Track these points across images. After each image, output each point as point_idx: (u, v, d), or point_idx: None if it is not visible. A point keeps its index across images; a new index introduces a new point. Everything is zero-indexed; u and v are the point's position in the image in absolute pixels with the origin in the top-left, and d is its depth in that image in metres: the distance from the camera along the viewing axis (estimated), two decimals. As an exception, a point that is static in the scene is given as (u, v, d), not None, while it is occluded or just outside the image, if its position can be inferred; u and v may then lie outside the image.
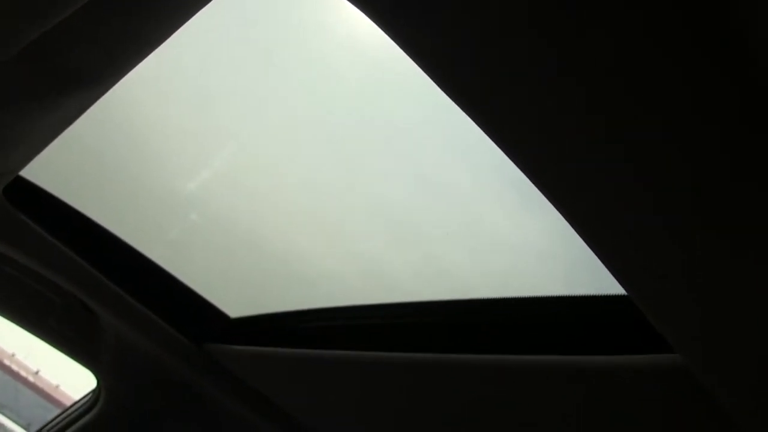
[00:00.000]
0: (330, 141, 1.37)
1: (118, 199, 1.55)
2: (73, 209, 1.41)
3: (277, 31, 1.26)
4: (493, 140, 0.48)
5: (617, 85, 0.43)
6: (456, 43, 0.44)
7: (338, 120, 1.31)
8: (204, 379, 1.49)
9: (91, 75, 0.60)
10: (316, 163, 1.41)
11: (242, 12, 1.25)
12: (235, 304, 1.60)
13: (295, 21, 1.25)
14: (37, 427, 1.65)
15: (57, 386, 6.96)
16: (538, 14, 0.41)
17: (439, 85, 0.47)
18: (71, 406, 1.60)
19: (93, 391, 1.59)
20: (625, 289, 0.57)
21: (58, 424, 1.51)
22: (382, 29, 0.47)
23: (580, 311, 0.98)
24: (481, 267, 1.38)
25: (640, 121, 0.44)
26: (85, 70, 0.59)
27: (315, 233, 1.52)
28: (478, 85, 0.46)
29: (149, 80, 1.28)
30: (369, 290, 1.51)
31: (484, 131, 0.48)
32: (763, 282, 0.49)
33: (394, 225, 1.43)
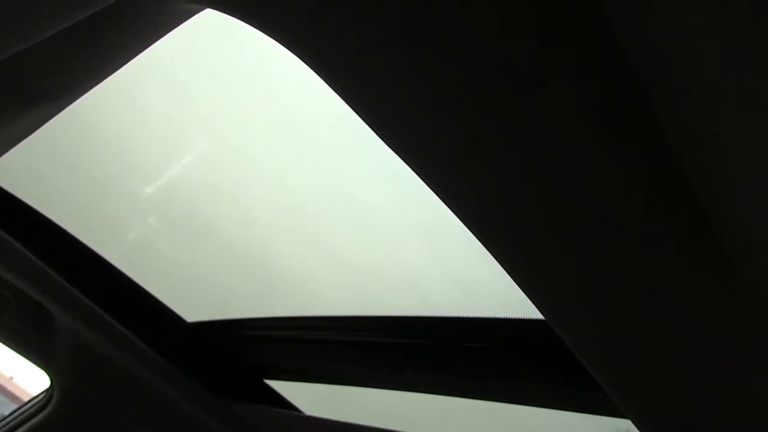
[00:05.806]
0: (299, 138, 1.36)
1: (76, 198, 1.53)
2: (29, 207, 1.40)
3: (245, 33, 1.26)
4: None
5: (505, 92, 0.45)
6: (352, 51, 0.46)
7: (306, 115, 1.31)
8: (161, 383, 1.48)
9: (49, 94, 0.60)
10: (288, 162, 1.40)
11: (213, 16, 1.25)
12: (195, 309, 1.59)
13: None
14: (-13, 420, 1.62)
15: (11, 378, 6.79)
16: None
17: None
18: (22, 406, 1.58)
19: (46, 391, 1.57)
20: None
21: (7, 424, 1.49)
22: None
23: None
24: (447, 270, 1.39)
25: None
26: (44, 90, 0.60)
27: (286, 236, 1.52)
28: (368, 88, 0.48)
29: (113, 79, 1.27)
30: (336, 290, 1.52)
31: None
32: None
33: (364, 224, 1.43)
